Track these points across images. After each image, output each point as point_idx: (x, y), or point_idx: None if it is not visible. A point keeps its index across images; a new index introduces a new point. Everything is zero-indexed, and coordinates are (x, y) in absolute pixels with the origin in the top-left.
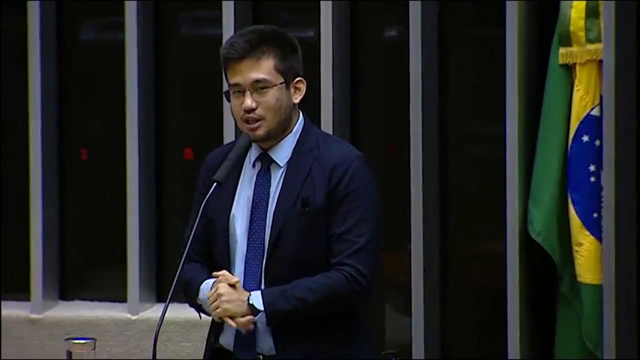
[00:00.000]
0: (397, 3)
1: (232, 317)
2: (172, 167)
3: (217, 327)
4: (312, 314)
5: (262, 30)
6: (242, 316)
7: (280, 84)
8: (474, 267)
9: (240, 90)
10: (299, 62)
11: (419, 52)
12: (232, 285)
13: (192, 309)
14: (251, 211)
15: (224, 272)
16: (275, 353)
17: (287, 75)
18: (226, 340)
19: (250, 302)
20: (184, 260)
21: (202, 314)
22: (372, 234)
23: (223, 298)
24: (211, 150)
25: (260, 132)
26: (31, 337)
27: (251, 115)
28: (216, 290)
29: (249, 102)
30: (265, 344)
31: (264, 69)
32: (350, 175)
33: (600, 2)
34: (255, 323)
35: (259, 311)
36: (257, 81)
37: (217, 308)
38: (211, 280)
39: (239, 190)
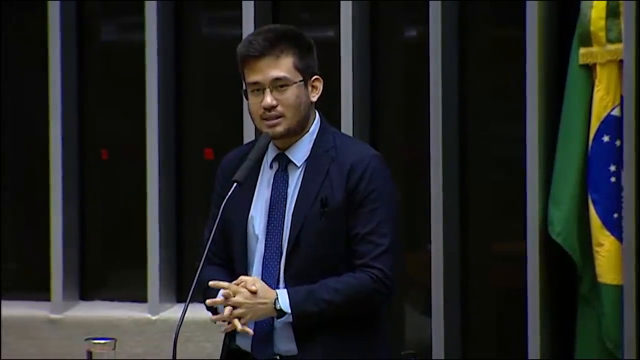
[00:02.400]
0: (417, 3)
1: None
2: (193, 167)
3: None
4: (337, 314)
5: (279, 29)
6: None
7: (300, 81)
8: (494, 267)
9: (260, 89)
10: (315, 61)
11: (438, 52)
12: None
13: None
14: (269, 212)
15: (242, 277)
16: (296, 353)
17: (305, 74)
18: (243, 342)
19: (277, 307)
20: (203, 263)
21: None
22: (394, 234)
23: (247, 312)
24: (231, 150)
25: (280, 128)
26: (51, 337)
27: (271, 113)
28: (239, 297)
29: (269, 99)
30: (283, 344)
31: (283, 67)
32: (369, 176)
33: (620, 2)
34: (272, 323)
35: (286, 313)
36: (277, 79)
37: (238, 315)
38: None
39: (257, 191)
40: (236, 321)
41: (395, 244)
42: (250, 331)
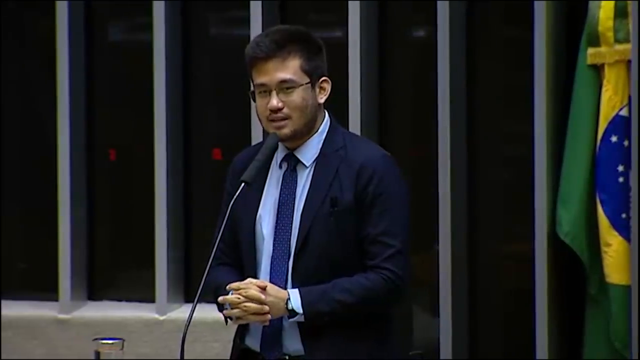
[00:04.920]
0: (425, 3)
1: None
2: (200, 167)
3: (243, 328)
4: (348, 315)
5: (288, 29)
6: (279, 317)
7: (306, 83)
8: (502, 267)
9: (266, 90)
10: (324, 62)
11: (446, 52)
12: (262, 288)
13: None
14: (277, 211)
15: (249, 280)
16: (303, 353)
17: (313, 75)
18: (252, 341)
19: (290, 307)
20: (212, 263)
21: (229, 320)
22: (405, 234)
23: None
24: (239, 151)
25: (286, 130)
26: (59, 337)
27: (277, 115)
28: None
29: (274, 102)
30: (292, 344)
31: (290, 69)
32: (379, 176)
33: (628, 2)
34: (281, 324)
35: (297, 313)
36: (284, 81)
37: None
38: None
39: (265, 190)
40: (251, 316)
41: (407, 245)
42: (267, 319)
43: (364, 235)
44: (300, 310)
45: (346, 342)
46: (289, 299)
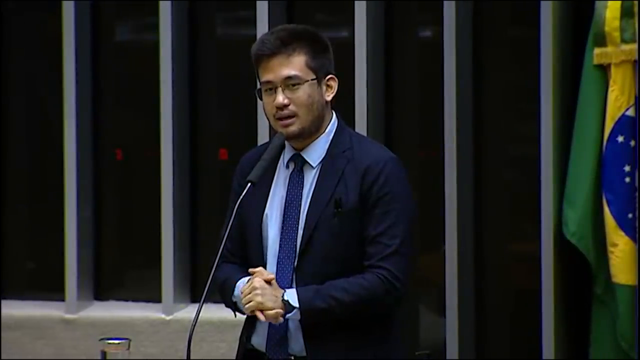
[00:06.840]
0: (432, 3)
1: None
2: (207, 167)
3: (249, 328)
4: (345, 314)
5: (294, 28)
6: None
7: (312, 80)
8: (508, 267)
9: (272, 88)
10: (331, 61)
11: (453, 52)
12: (268, 282)
13: (227, 309)
14: (284, 212)
15: (260, 268)
16: (306, 354)
17: (319, 72)
18: (258, 341)
19: (285, 298)
20: (218, 261)
21: (237, 313)
22: (406, 236)
23: (257, 291)
24: (246, 151)
25: (294, 128)
26: (66, 337)
27: (284, 112)
28: (251, 284)
29: (280, 98)
30: (297, 344)
31: (295, 65)
32: (384, 178)
33: (635, 2)
34: (287, 323)
35: (293, 307)
36: (289, 77)
37: (250, 301)
38: (246, 278)
39: (272, 190)
40: (258, 313)
41: (407, 246)
42: (263, 317)
43: (365, 236)
44: (296, 304)
45: (350, 342)
46: (284, 293)
